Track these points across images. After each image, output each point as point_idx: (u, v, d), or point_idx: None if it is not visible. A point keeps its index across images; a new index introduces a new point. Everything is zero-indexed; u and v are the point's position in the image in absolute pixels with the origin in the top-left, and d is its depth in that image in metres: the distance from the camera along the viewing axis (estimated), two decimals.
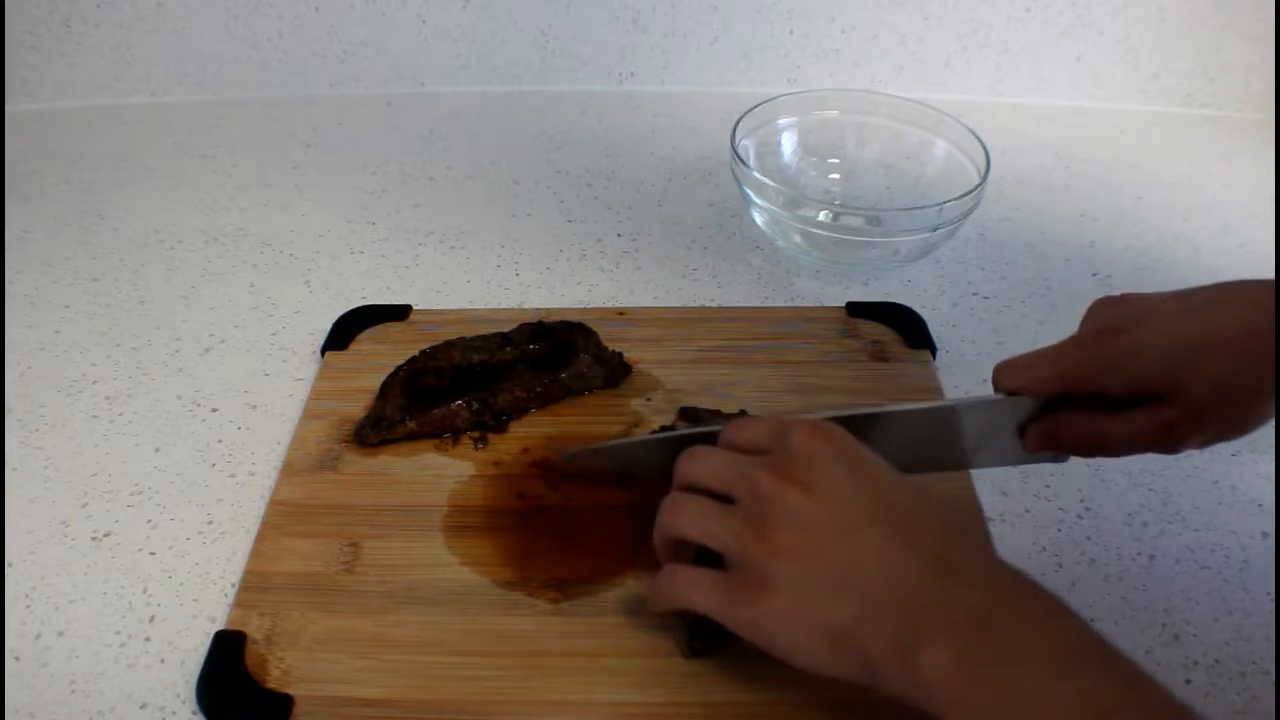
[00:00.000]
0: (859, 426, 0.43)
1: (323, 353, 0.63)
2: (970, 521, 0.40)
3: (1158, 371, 0.40)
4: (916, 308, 0.66)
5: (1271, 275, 0.70)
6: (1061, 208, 0.79)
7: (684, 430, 0.49)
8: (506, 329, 0.61)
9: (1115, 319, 0.42)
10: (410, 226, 0.77)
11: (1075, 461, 0.48)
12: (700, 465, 0.42)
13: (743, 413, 0.55)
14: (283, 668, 0.44)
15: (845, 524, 0.37)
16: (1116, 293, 0.45)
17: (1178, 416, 0.40)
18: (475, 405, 0.56)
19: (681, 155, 0.87)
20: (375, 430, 0.55)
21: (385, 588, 0.48)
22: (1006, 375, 0.44)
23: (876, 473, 0.39)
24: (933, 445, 0.46)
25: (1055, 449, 0.44)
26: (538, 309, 0.66)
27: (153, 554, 0.51)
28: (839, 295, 0.69)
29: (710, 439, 0.44)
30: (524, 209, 0.80)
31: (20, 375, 0.63)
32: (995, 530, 0.51)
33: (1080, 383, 0.42)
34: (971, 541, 0.38)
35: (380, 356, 0.60)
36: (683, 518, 0.41)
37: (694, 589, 0.40)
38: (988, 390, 0.60)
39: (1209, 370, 0.39)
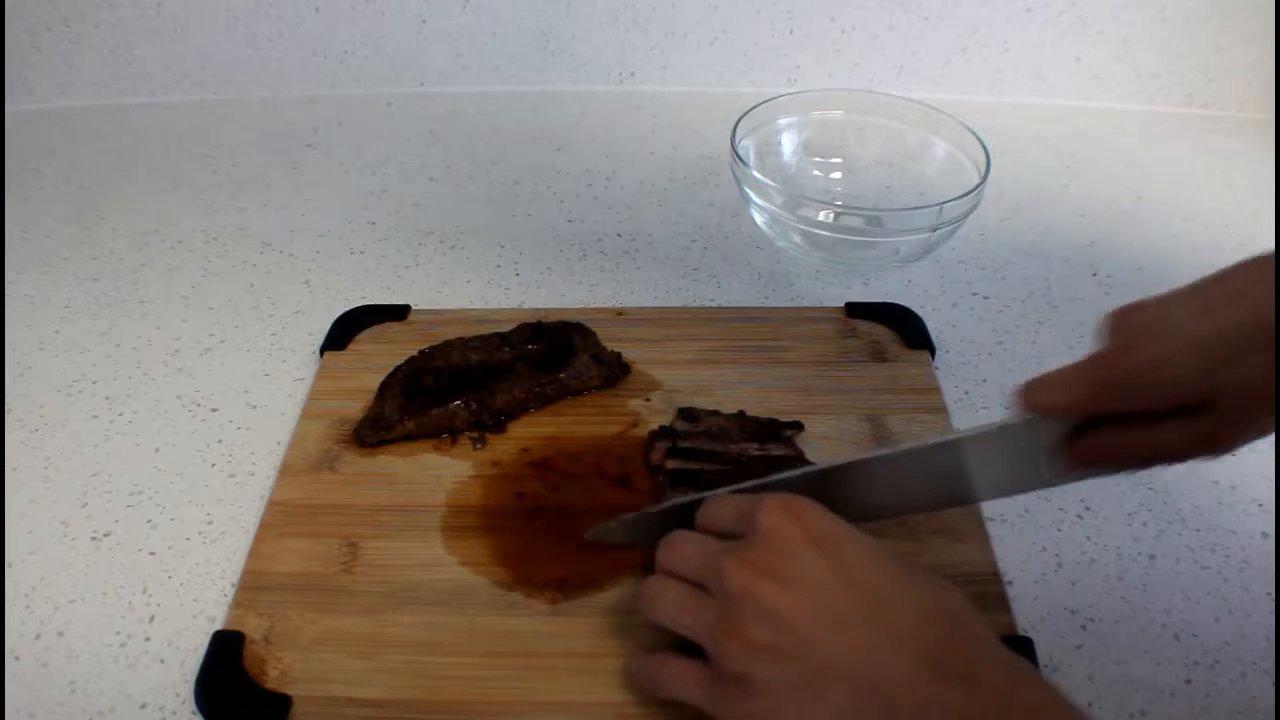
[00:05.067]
0: (881, 468, 0.42)
1: (322, 353, 0.63)
2: (961, 605, 0.37)
3: (1190, 381, 0.37)
4: (916, 308, 0.66)
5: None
6: (1061, 208, 0.79)
7: (687, 498, 0.46)
8: (505, 329, 0.61)
9: (1136, 331, 0.39)
10: (410, 226, 0.77)
11: None
12: (675, 554, 0.41)
13: (742, 413, 0.55)
14: (281, 668, 0.44)
15: (823, 619, 0.35)
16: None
17: (1219, 420, 0.38)
18: (474, 405, 0.56)
19: (681, 155, 0.87)
20: (374, 430, 0.55)
21: (383, 588, 0.48)
22: (1037, 393, 0.40)
23: (856, 556, 0.37)
24: (955, 479, 0.44)
25: (1102, 465, 0.41)
26: (537, 309, 0.66)
27: (153, 554, 0.51)
28: (839, 295, 0.69)
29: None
30: (524, 209, 0.80)
31: (20, 375, 0.63)
32: (995, 531, 0.51)
33: (1112, 403, 0.39)
34: (962, 631, 0.36)
35: (379, 356, 0.60)
36: (658, 605, 0.40)
37: (679, 684, 0.39)
38: (987, 390, 0.60)
39: (1242, 370, 0.37)
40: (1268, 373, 0.37)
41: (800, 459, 0.52)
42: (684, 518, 0.45)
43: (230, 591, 0.49)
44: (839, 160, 0.78)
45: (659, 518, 0.47)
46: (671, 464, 0.52)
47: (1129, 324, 0.40)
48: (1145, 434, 0.39)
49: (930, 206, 0.64)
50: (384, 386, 0.57)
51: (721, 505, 0.41)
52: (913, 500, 0.44)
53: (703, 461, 0.52)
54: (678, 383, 0.60)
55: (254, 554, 0.50)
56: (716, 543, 0.40)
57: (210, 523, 0.53)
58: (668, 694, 0.40)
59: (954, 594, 0.37)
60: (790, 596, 0.36)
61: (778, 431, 0.54)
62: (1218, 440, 0.39)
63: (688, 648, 0.40)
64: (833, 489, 0.44)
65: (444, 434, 0.56)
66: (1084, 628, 0.47)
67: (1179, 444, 0.39)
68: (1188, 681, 0.45)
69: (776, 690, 0.35)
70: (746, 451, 0.52)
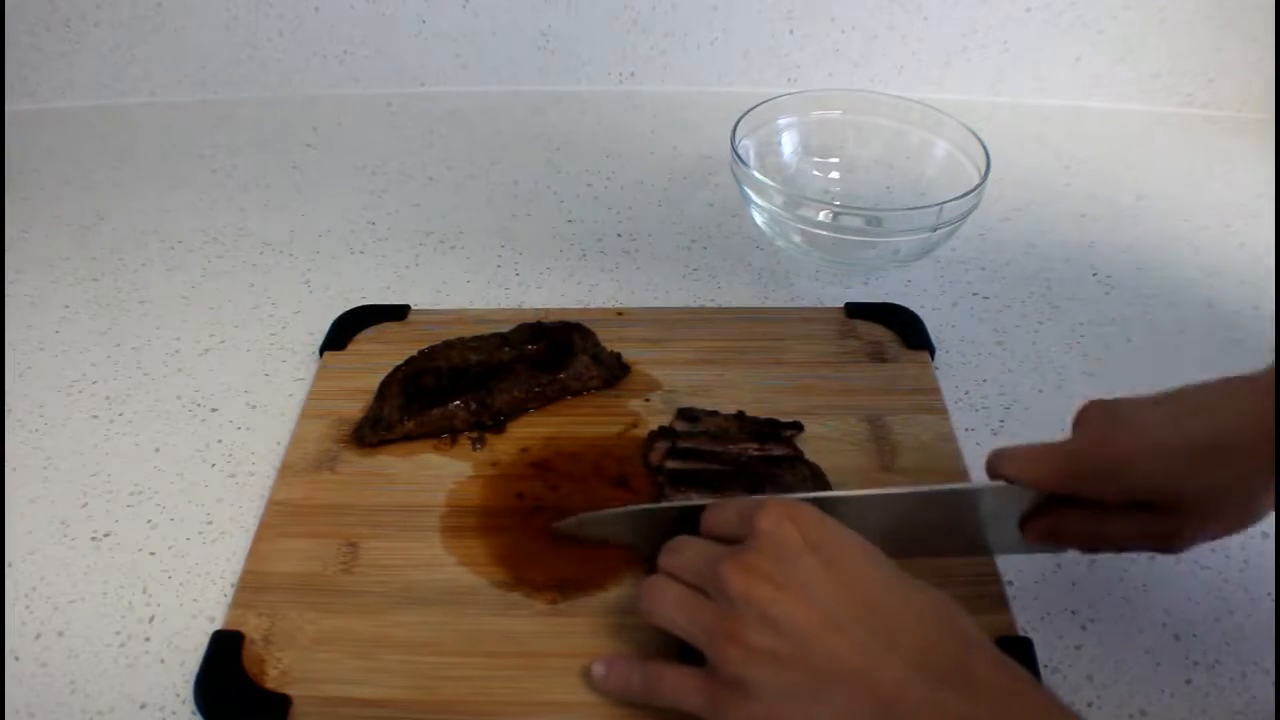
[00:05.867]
0: (854, 507, 0.42)
1: (321, 353, 0.63)
2: (955, 610, 0.37)
3: (1155, 482, 0.39)
4: (916, 308, 0.66)
5: (1271, 275, 0.70)
6: (1061, 208, 0.79)
7: (678, 503, 0.46)
8: (505, 329, 0.61)
9: (1109, 424, 0.40)
10: (410, 226, 0.77)
11: None
12: (676, 557, 0.41)
13: (741, 414, 0.55)
14: (280, 668, 0.44)
15: (822, 624, 0.35)
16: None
17: (1180, 523, 0.40)
18: (473, 405, 0.56)
19: (681, 155, 0.87)
20: (374, 430, 0.55)
21: (383, 588, 0.48)
22: (1006, 463, 0.42)
23: (852, 561, 0.37)
24: (927, 530, 0.44)
25: (1057, 543, 0.43)
26: (537, 309, 0.66)
27: (152, 554, 0.51)
28: (839, 295, 0.69)
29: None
30: (524, 209, 0.80)
31: (20, 375, 0.63)
32: None
33: (1079, 488, 0.40)
34: (957, 634, 0.36)
35: (379, 357, 0.60)
36: (657, 606, 0.40)
37: (678, 692, 0.39)
38: (987, 390, 0.60)
39: (1206, 479, 0.38)
40: (1230, 485, 0.38)
41: (800, 459, 0.52)
42: (664, 522, 0.45)
43: (230, 591, 0.49)
44: (839, 160, 0.78)
45: (639, 518, 0.47)
46: (671, 464, 0.52)
47: (1102, 417, 0.41)
48: (1104, 523, 0.41)
49: (930, 206, 0.64)
50: (384, 386, 0.57)
51: (724, 509, 0.42)
52: (890, 543, 0.44)
53: (702, 461, 0.52)
54: (677, 383, 0.60)
55: (254, 554, 0.50)
56: (718, 547, 0.40)
57: (210, 523, 0.53)
58: (665, 701, 0.40)
59: (947, 599, 0.37)
60: (788, 601, 0.36)
61: (777, 432, 0.54)
62: (1174, 539, 0.40)
63: (685, 654, 0.39)
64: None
65: (444, 434, 0.56)
66: (1084, 628, 0.47)
67: (1136, 537, 0.41)
68: (1188, 681, 0.45)
69: (775, 694, 0.36)
70: (746, 452, 0.52)
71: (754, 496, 0.41)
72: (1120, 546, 0.43)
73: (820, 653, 0.35)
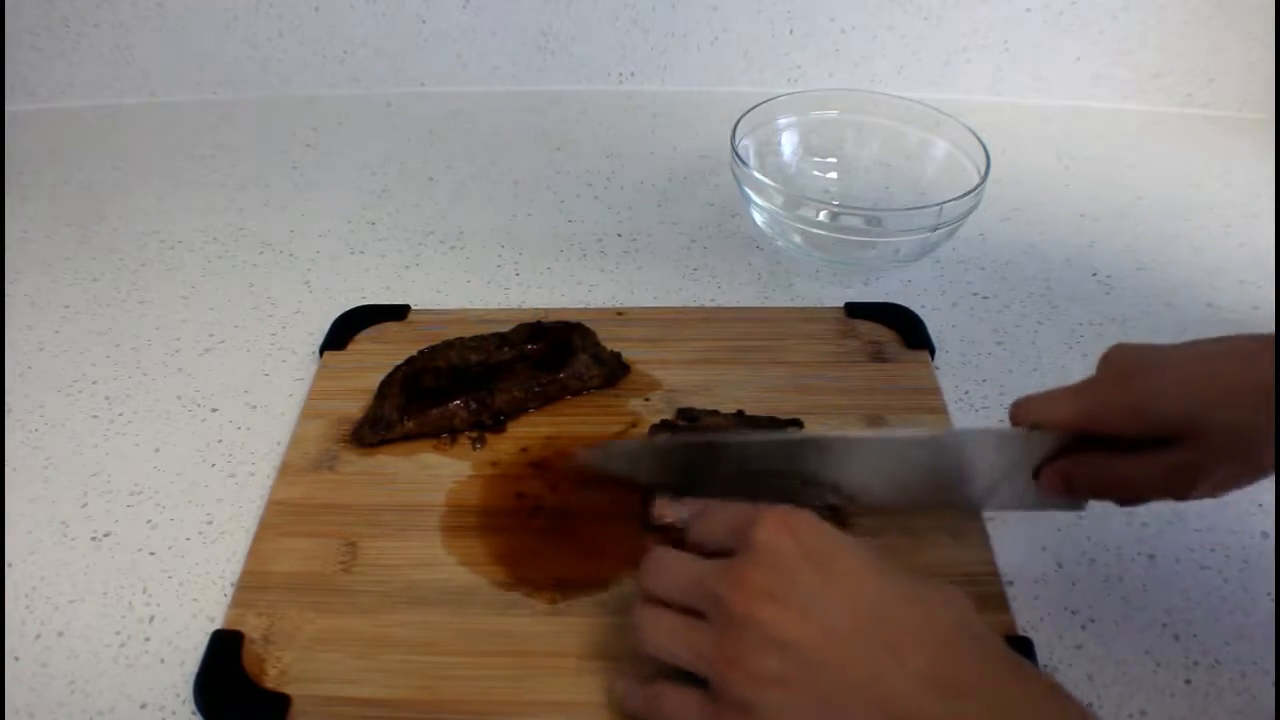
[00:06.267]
0: (877, 449, 0.42)
1: (321, 352, 0.63)
2: (963, 609, 0.36)
3: (1175, 416, 0.39)
4: (916, 308, 0.66)
5: (1271, 275, 0.70)
6: (1061, 208, 0.79)
7: (708, 437, 0.46)
8: (505, 329, 0.61)
9: (1132, 364, 0.41)
10: (410, 226, 0.77)
11: None
12: (663, 578, 0.39)
13: (740, 413, 0.55)
14: (280, 667, 0.44)
15: (827, 642, 0.34)
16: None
17: (1192, 460, 0.40)
18: (473, 405, 0.56)
19: (681, 155, 0.87)
20: (373, 430, 0.55)
21: (383, 587, 0.48)
22: (1026, 408, 0.43)
23: (854, 570, 0.36)
24: (945, 476, 0.44)
25: (1071, 491, 0.43)
26: (537, 309, 0.66)
27: (152, 554, 0.51)
28: (839, 295, 0.69)
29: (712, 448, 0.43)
30: (524, 209, 0.80)
31: (20, 375, 0.63)
32: (995, 531, 0.51)
33: (1099, 423, 0.41)
34: (968, 642, 0.35)
35: (379, 356, 0.60)
36: (651, 638, 0.38)
37: (679, 713, 0.38)
38: (987, 390, 0.60)
39: (1224, 416, 0.39)
40: (1243, 428, 0.39)
41: (792, 421, 0.53)
42: (692, 457, 0.45)
43: (230, 591, 0.49)
44: (838, 160, 0.78)
45: (660, 454, 0.47)
46: None
47: (1130, 358, 0.41)
48: (1124, 464, 0.41)
49: (930, 206, 0.64)
50: (384, 386, 0.57)
51: (712, 520, 0.40)
52: (895, 491, 0.44)
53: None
54: (677, 383, 0.60)
55: (253, 554, 0.50)
56: (704, 563, 0.38)
57: (210, 523, 0.53)
58: None
59: (955, 599, 0.36)
60: (792, 620, 0.35)
61: (777, 430, 0.54)
62: (1193, 479, 0.41)
63: (685, 674, 0.38)
64: (814, 460, 0.44)
65: (443, 434, 0.56)
66: (1084, 628, 0.47)
67: (1155, 478, 0.41)
68: (1188, 681, 0.45)
69: (783, 716, 0.35)
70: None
71: (743, 504, 0.39)
72: (1135, 495, 0.43)
73: (828, 673, 0.34)
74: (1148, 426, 0.40)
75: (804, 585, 0.35)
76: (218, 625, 0.47)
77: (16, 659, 0.46)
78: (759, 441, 0.47)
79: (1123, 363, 0.42)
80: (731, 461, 0.46)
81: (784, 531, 0.37)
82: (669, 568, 0.39)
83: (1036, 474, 0.44)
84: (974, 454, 0.44)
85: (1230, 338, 0.41)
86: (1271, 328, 0.65)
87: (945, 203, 0.63)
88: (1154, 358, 0.41)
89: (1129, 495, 0.43)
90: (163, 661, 0.46)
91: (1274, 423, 0.38)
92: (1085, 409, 0.41)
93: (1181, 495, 0.42)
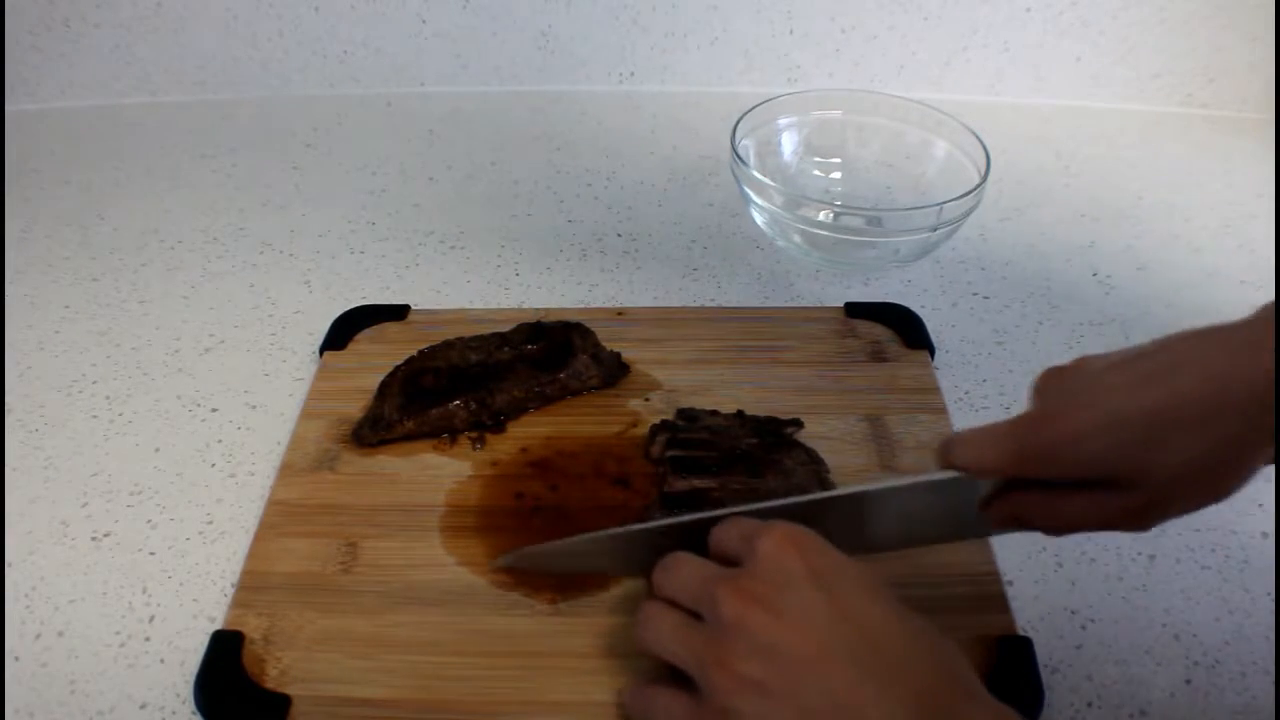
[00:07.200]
0: (819, 510, 0.41)
1: (321, 352, 0.63)
2: (954, 654, 0.35)
3: (1109, 460, 0.36)
4: (916, 308, 0.66)
5: (1271, 274, 0.70)
6: (1061, 208, 0.79)
7: (665, 521, 0.44)
8: (505, 329, 0.61)
9: (1059, 400, 0.38)
10: (410, 226, 0.77)
11: None
12: (671, 577, 0.39)
13: (740, 413, 0.55)
14: (280, 667, 0.44)
15: (814, 657, 0.34)
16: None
17: (1145, 500, 0.37)
18: (473, 405, 0.56)
19: (681, 155, 0.87)
20: (373, 430, 0.55)
21: (383, 588, 0.48)
22: (958, 450, 0.40)
23: (853, 593, 0.36)
24: (894, 526, 0.43)
25: (1023, 527, 0.41)
26: (537, 309, 0.66)
27: (152, 554, 0.51)
28: (839, 295, 0.69)
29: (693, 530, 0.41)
30: (524, 209, 0.80)
31: (20, 375, 0.63)
32: None
33: (1024, 469, 0.38)
34: (953, 678, 0.35)
35: (378, 356, 0.60)
36: (650, 633, 0.39)
37: (668, 717, 0.38)
38: (987, 390, 0.60)
39: (1165, 451, 0.35)
40: (1194, 457, 0.35)
41: (798, 444, 0.53)
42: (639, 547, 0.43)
43: (230, 591, 0.49)
44: (839, 160, 0.78)
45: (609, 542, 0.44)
46: (672, 452, 0.52)
47: (1057, 389, 0.38)
48: (1065, 502, 0.38)
49: (930, 206, 0.64)
50: (383, 386, 0.57)
51: (729, 528, 0.40)
52: (853, 545, 0.43)
53: (703, 450, 0.52)
54: (677, 383, 0.60)
55: (253, 554, 0.50)
56: (716, 568, 0.38)
57: (210, 523, 0.53)
58: None
59: (949, 644, 0.36)
60: (781, 630, 0.35)
61: (778, 429, 0.54)
62: (1140, 518, 0.38)
63: (682, 678, 0.38)
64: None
65: (443, 434, 0.56)
66: (1084, 628, 0.47)
67: (1100, 516, 0.38)
68: (1188, 681, 0.45)
69: None
70: (746, 441, 0.52)
71: (760, 520, 0.39)
72: (1088, 529, 0.40)
73: (812, 687, 0.34)
74: (1075, 472, 0.37)
75: (801, 599, 0.35)
76: (218, 625, 0.47)
77: (16, 659, 0.46)
78: (693, 520, 0.43)
79: (1050, 397, 0.38)
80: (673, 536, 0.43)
81: (790, 546, 0.37)
82: (680, 568, 0.39)
83: (984, 506, 0.41)
84: (910, 505, 0.42)
85: (1162, 346, 0.37)
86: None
87: (945, 203, 0.63)
88: (1083, 389, 0.37)
89: (1082, 529, 0.40)
90: (163, 662, 0.46)
91: (1261, 437, 0.35)
92: (1008, 454, 0.38)
93: (1139, 529, 0.39)
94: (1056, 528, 0.40)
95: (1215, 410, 0.34)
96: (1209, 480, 0.37)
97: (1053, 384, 0.39)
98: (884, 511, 0.42)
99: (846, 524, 0.42)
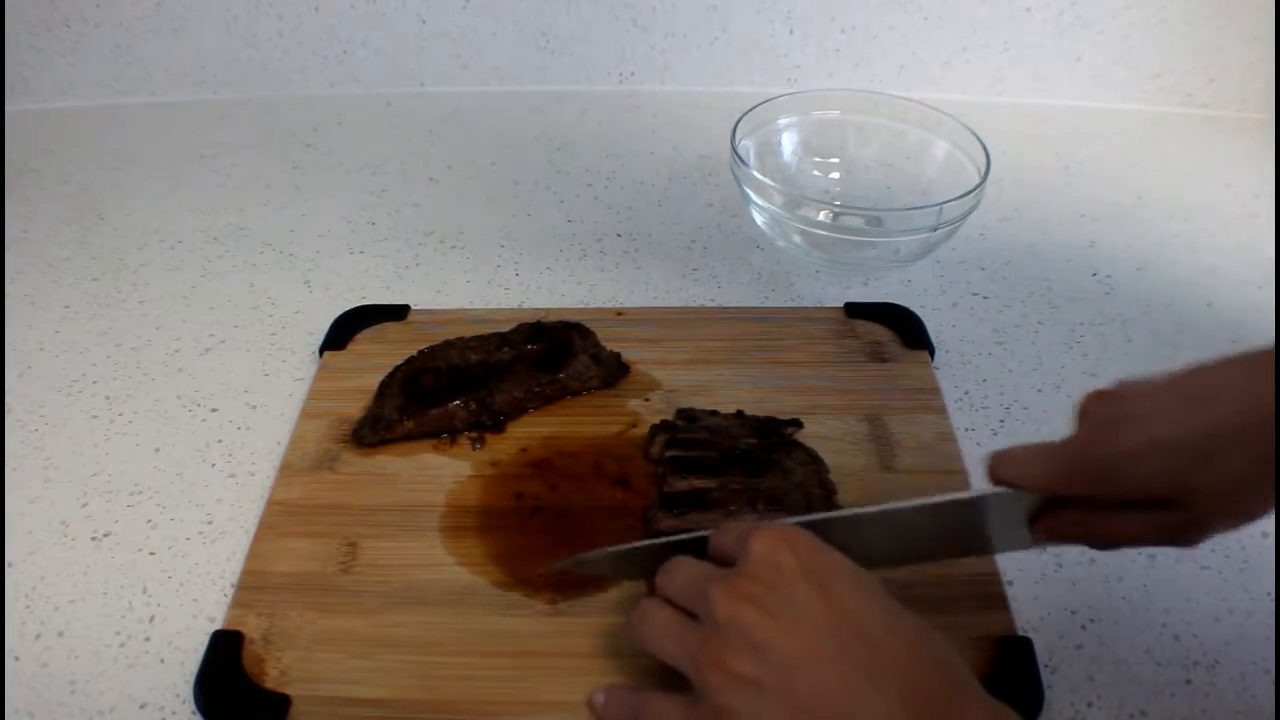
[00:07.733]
0: (854, 525, 0.41)
1: (321, 352, 0.63)
2: (948, 652, 0.35)
3: (1159, 481, 0.37)
4: (916, 308, 0.66)
5: (1271, 274, 0.70)
6: (1061, 208, 0.79)
7: (678, 536, 0.44)
8: (505, 329, 0.61)
9: (1108, 420, 0.38)
10: (410, 226, 0.77)
11: None
12: (672, 577, 0.40)
13: (740, 413, 0.55)
14: (280, 667, 0.44)
15: (807, 655, 0.34)
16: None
17: (1187, 518, 0.38)
18: (473, 405, 0.56)
19: (681, 155, 0.87)
20: (373, 430, 0.55)
21: (383, 588, 0.48)
22: (1007, 467, 0.40)
23: (847, 591, 0.36)
24: (939, 538, 0.43)
25: (1066, 542, 0.41)
26: (537, 309, 0.66)
27: (152, 554, 0.51)
28: (839, 295, 0.69)
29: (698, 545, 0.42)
30: (524, 209, 0.80)
31: (20, 375, 0.63)
32: None
33: (1074, 488, 0.39)
34: (950, 680, 0.35)
35: (378, 356, 0.60)
36: (645, 630, 0.39)
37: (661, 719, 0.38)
38: (987, 390, 0.60)
39: (1210, 474, 0.36)
40: (1237, 476, 0.36)
41: (798, 444, 0.53)
42: (661, 557, 0.43)
43: (230, 591, 0.49)
44: (839, 160, 0.78)
45: (635, 554, 0.45)
46: (671, 452, 0.52)
47: (1103, 411, 0.39)
48: (1112, 520, 0.39)
49: (930, 206, 0.64)
50: (383, 386, 0.57)
51: (728, 532, 0.40)
52: (897, 554, 0.43)
53: (703, 450, 0.52)
54: (677, 383, 0.60)
55: (253, 554, 0.50)
56: (713, 569, 0.39)
57: (210, 523, 0.53)
58: None
59: (943, 641, 0.36)
60: (775, 628, 0.35)
61: (778, 429, 0.54)
62: (1186, 535, 0.39)
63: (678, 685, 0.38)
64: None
65: (443, 434, 0.56)
66: (1084, 628, 0.47)
67: (1146, 533, 0.39)
68: (1188, 681, 0.45)
69: None
70: (745, 441, 0.52)
71: (757, 521, 0.39)
72: (1132, 544, 0.41)
73: (805, 685, 0.34)
74: (1126, 493, 0.38)
75: (794, 598, 0.35)
76: (218, 625, 0.47)
77: (16, 659, 0.46)
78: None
79: (1097, 419, 0.39)
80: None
81: (784, 545, 0.37)
82: (680, 568, 0.40)
83: (1030, 520, 0.42)
84: (963, 518, 0.43)
85: (1211, 371, 0.38)
86: (1271, 329, 0.65)
87: (945, 203, 0.63)
88: (1129, 413, 0.38)
89: (1126, 545, 0.41)
90: (163, 661, 0.46)
91: (1273, 462, 0.36)
92: (1059, 472, 0.39)
93: (1184, 545, 0.40)
94: (1104, 543, 0.41)
95: (1253, 431, 0.36)
96: (1249, 498, 0.38)
97: (1098, 407, 0.39)
98: (924, 525, 0.43)
99: (891, 537, 0.42)
